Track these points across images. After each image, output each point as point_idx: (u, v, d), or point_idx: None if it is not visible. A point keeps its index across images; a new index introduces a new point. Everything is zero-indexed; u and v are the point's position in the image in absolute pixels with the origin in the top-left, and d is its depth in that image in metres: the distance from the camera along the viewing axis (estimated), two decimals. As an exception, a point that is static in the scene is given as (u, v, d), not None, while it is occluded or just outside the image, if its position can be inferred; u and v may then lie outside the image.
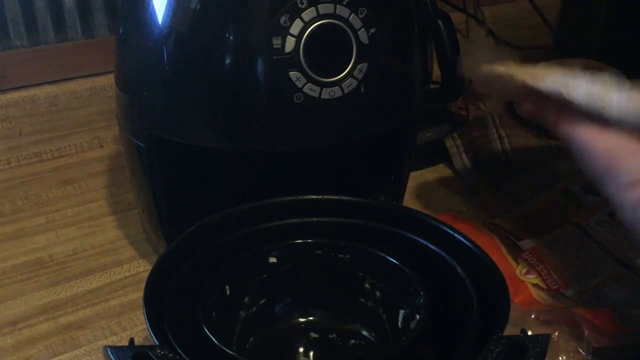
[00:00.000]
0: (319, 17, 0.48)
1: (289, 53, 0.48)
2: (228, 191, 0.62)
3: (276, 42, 0.48)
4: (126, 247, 0.67)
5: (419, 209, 0.52)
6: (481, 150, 0.78)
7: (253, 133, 0.52)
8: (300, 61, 0.49)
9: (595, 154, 0.45)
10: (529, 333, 0.40)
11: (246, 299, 0.49)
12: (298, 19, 0.48)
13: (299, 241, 0.50)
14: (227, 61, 0.49)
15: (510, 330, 0.39)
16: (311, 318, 0.50)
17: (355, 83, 0.51)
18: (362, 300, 0.50)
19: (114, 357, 0.37)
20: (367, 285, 0.50)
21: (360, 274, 0.50)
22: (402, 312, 0.47)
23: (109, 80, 0.82)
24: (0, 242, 0.67)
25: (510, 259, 0.61)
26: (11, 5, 0.76)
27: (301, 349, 0.49)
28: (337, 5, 0.48)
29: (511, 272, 0.59)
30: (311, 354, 0.48)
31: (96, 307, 0.59)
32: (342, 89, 0.50)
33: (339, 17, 0.49)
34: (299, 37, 0.48)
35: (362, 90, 0.51)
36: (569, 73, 0.46)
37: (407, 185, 0.66)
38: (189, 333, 0.41)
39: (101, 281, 0.62)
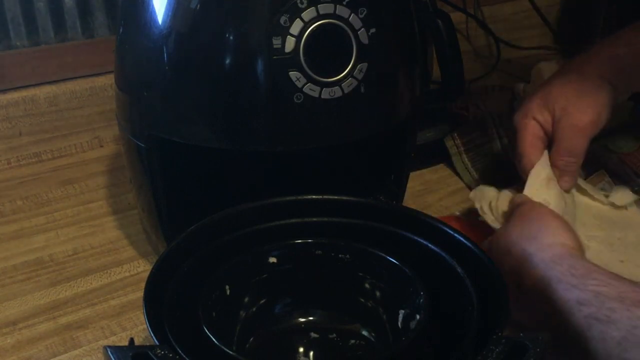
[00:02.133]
0: (319, 17, 0.48)
1: (289, 53, 0.48)
2: (228, 191, 0.62)
3: (276, 42, 0.48)
4: (126, 247, 0.67)
5: (419, 209, 0.52)
6: (481, 150, 0.78)
7: (253, 133, 0.52)
8: (300, 61, 0.49)
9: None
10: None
11: (246, 299, 0.49)
12: (298, 19, 0.48)
13: (299, 241, 0.50)
14: (227, 61, 0.49)
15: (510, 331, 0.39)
16: (311, 318, 0.50)
17: (355, 83, 0.51)
18: (362, 300, 0.50)
19: (114, 357, 0.37)
20: (367, 285, 0.50)
21: (360, 274, 0.50)
22: (402, 312, 0.47)
23: (109, 80, 0.82)
24: (0, 242, 0.67)
25: (510, 259, 0.61)
26: (11, 5, 0.76)
27: (301, 349, 0.49)
28: (337, 5, 0.48)
29: (511, 272, 0.59)
30: (311, 354, 0.48)
31: (96, 307, 0.59)
32: (342, 89, 0.50)
33: (339, 17, 0.49)
34: (299, 37, 0.48)
35: (362, 90, 0.51)
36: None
37: (407, 185, 0.66)
38: (189, 333, 0.41)
39: (101, 281, 0.62)
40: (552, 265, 0.46)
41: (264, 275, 0.50)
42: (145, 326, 0.40)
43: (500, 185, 0.74)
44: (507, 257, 0.51)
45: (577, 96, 0.61)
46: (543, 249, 0.48)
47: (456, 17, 0.96)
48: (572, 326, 0.44)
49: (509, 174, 0.75)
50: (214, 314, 0.45)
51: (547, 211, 0.54)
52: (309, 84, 0.49)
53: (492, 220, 0.61)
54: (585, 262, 0.46)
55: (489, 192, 0.65)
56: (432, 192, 0.75)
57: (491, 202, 0.63)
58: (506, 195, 0.63)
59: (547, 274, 0.46)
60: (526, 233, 0.50)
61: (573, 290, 0.44)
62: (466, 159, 0.78)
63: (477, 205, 0.64)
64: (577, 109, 0.61)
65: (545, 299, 0.46)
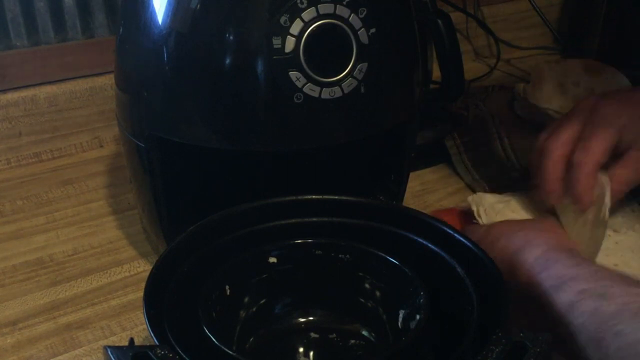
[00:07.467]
0: (319, 17, 0.48)
1: (289, 53, 0.48)
2: (228, 191, 0.62)
3: (276, 42, 0.48)
4: (126, 247, 0.67)
5: (419, 209, 0.52)
6: (481, 150, 0.78)
7: (253, 133, 0.52)
8: (300, 61, 0.49)
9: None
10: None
11: (246, 299, 0.49)
12: (298, 19, 0.48)
13: (299, 241, 0.50)
14: (227, 61, 0.49)
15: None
16: (311, 318, 0.50)
17: (355, 83, 0.51)
18: (362, 300, 0.50)
19: (114, 357, 0.37)
20: (367, 285, 0.50)
21: (360, 274, 0.50)
22: (402, 312, 0.47)
23: (109, 80, 0.82)
24: (0, 242, 0.67)
25: (510, 259, 0.61)
26: (11, 5, 0.76)
27: (301, 349, 0.49)
28: (337, 5, 0.48)
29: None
30: (311, 354, 0.48)
31: (96, 307, 0.59)
32: (342, 89, 0.50)
33: (339, 17, 0.49)
34: (299, 37, 0.48)
35: (362, 90, 0.51)
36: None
37: (407, 185, 0.66)
38: (189, 333, 0.41)
39: (101, 281, 0.62)
40: (544, 256, 0.47)
41: (264, 275, 0.50)
42: (145, 326, 0.40)
43: (500, 185, 0.74)
44: (497, 243, 0.51)
45: None
46: (533, 245, 0.49)
47: (456, 17, 0.96)
48: (557, 306, 0.44)
49: (509, 174, 0.76)
50: (214, 314, 0.45)
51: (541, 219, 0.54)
52: (309, 84, 0.49)
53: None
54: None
55: (488, 198, 0.65)
56: (432, 192, 0.75)
57: (487, 208, 0.64)
58: (499, 208, 0.64)
59: (536, 263, 0.47)
60: (517, 231, 0.51)
61: (568, 269, 0.45)
62: (466, 159, 0.78)
63: (474, 208, 0.64)
64: None
65: (529, 283, 0.46)
